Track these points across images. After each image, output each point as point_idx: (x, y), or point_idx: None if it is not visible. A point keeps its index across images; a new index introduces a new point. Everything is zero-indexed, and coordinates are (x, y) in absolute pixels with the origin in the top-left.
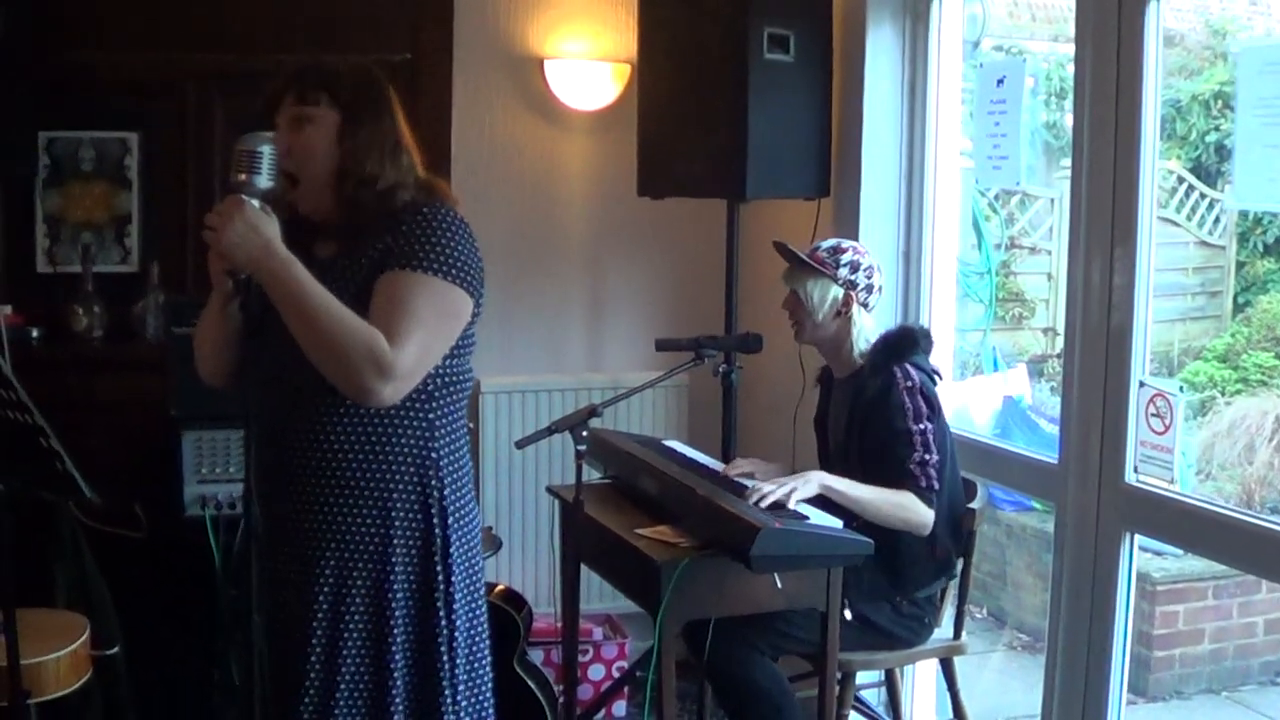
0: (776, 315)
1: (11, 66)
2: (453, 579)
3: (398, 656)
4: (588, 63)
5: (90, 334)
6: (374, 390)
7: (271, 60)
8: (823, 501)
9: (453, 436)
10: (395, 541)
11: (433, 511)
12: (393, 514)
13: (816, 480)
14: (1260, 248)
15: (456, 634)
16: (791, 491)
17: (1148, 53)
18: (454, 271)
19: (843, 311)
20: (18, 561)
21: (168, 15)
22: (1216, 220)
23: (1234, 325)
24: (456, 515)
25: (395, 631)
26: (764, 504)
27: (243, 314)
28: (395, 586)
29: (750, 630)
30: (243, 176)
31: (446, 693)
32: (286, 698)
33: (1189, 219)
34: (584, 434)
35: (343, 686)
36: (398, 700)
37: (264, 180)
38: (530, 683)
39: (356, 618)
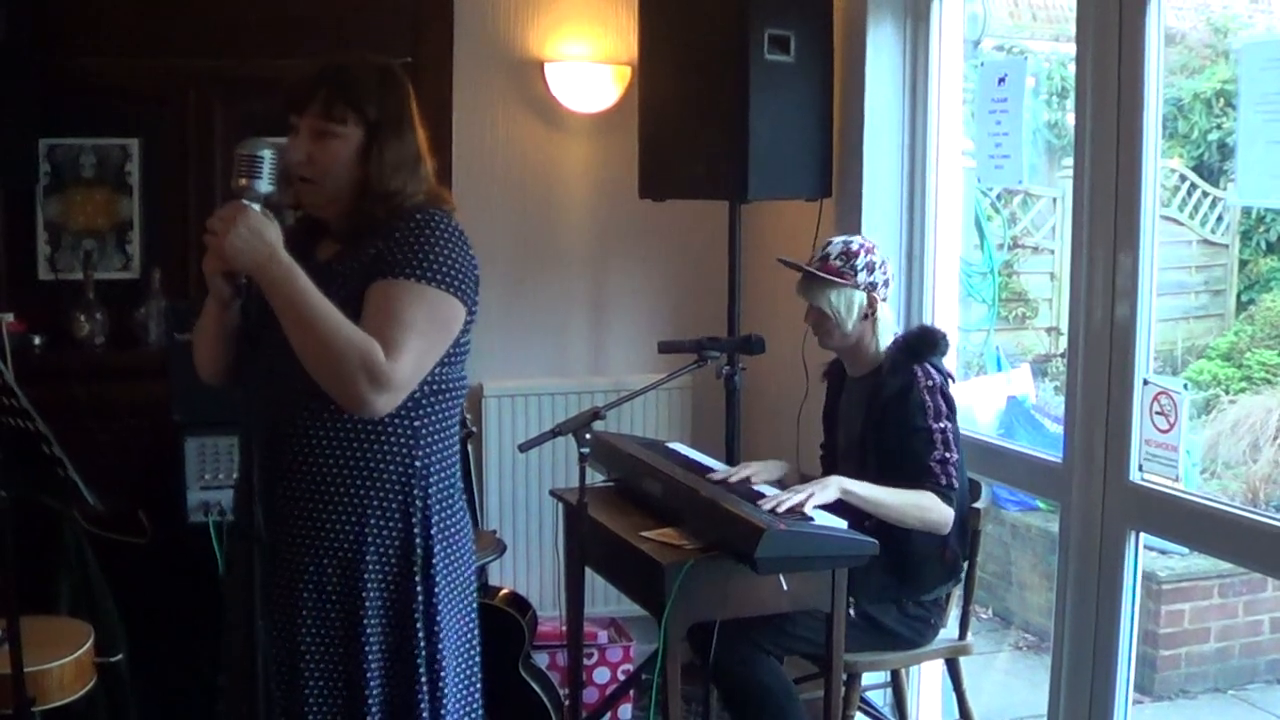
0: (779, 316)
1: (12, 73)
2: (435, 592)
3: (373, 666)
4: (588, 65)
5: (92, 341)
6: (367, 400)
7: (272, 65)
8: (835, 503)
9: (441, 445)
10: (369, 549)
11: (414, 522)
12: (368, 522)
13: (835, 485)
14: (1263, 245)
15: (441, 647)
16: (809, 497)
17: (1149, 51)
18: (447, 280)
19: (869, 314)
20: (21, 569)
21: (167, 21)
22: (1219, 218)
23: (1238, 323)
24: (441, 527)
25: (370, 639)
26: (781, 509)
27: (242, 316)
28: (369, 594)
29: (756, 631)
30: (243, 181)
31: (424, 706)
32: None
33: (1192, 217)
34: (587, 437)
35: (311, 699)
36: (374, 711)
37: (265, 185)
38: (535, 686)
39: (328, 622)
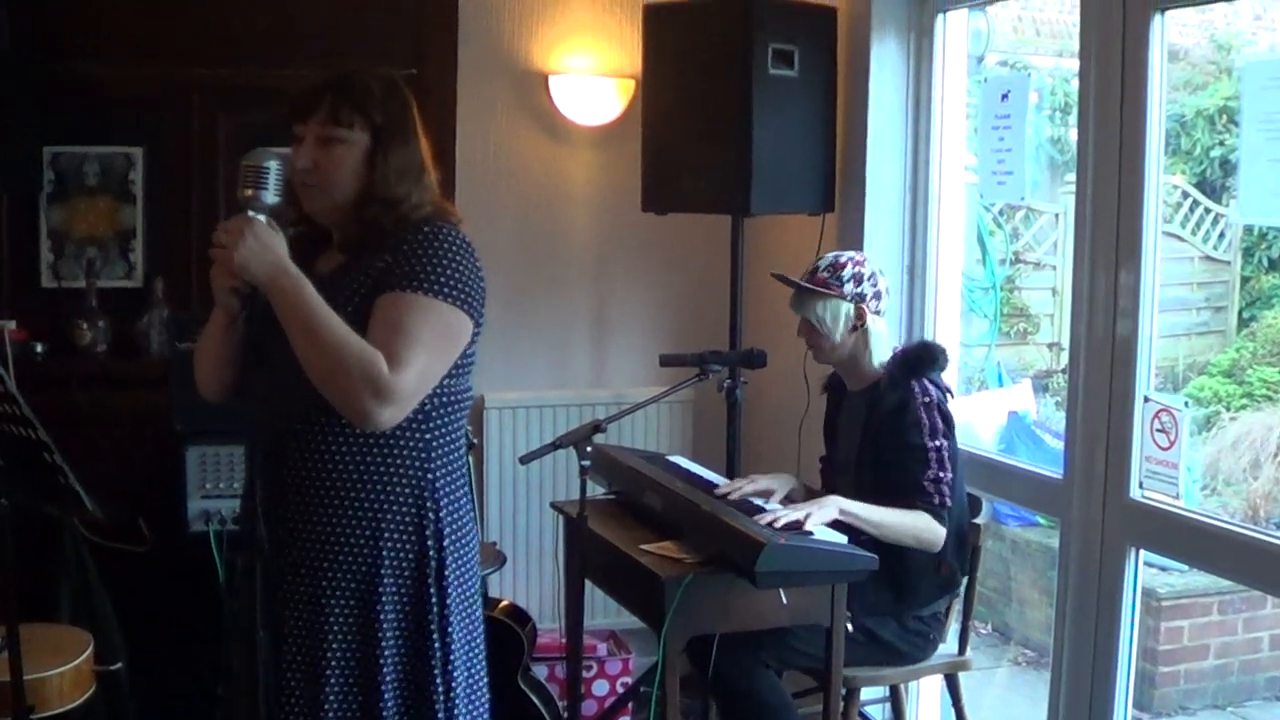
0: (781, 330)
1: (16, 81)
2: (448, 601)
3: (388, 676)
4: (592, 78)
5: (94, 349)
6: (371, 413)
7: (276, 74)
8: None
9: (451, 456)
10: (384, 561)
11: (427, 532)
12: (383, 534)
13: (834, 505)
14: (1265, 263)
15: (453, 655)
16: (807, 517)
17: (1152, 67)
18: (454, 293)
19: (858, 325)
20: (21, 576)
21: (172, 29)
22: (1221, 235)
23: (1239, 340)
24: (453, 537)
25: (385, 650)
26: (778, 525)
27: (245, 327)
28: (384, 605)
29: (755, 643)
30: (249, 192)
31: (440, 715)
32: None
33: (1194, 234)
34: (588, 449)
35: (330, 704)
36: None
37: (271, 196)
38: (534, 699)
39: (340, 633)
